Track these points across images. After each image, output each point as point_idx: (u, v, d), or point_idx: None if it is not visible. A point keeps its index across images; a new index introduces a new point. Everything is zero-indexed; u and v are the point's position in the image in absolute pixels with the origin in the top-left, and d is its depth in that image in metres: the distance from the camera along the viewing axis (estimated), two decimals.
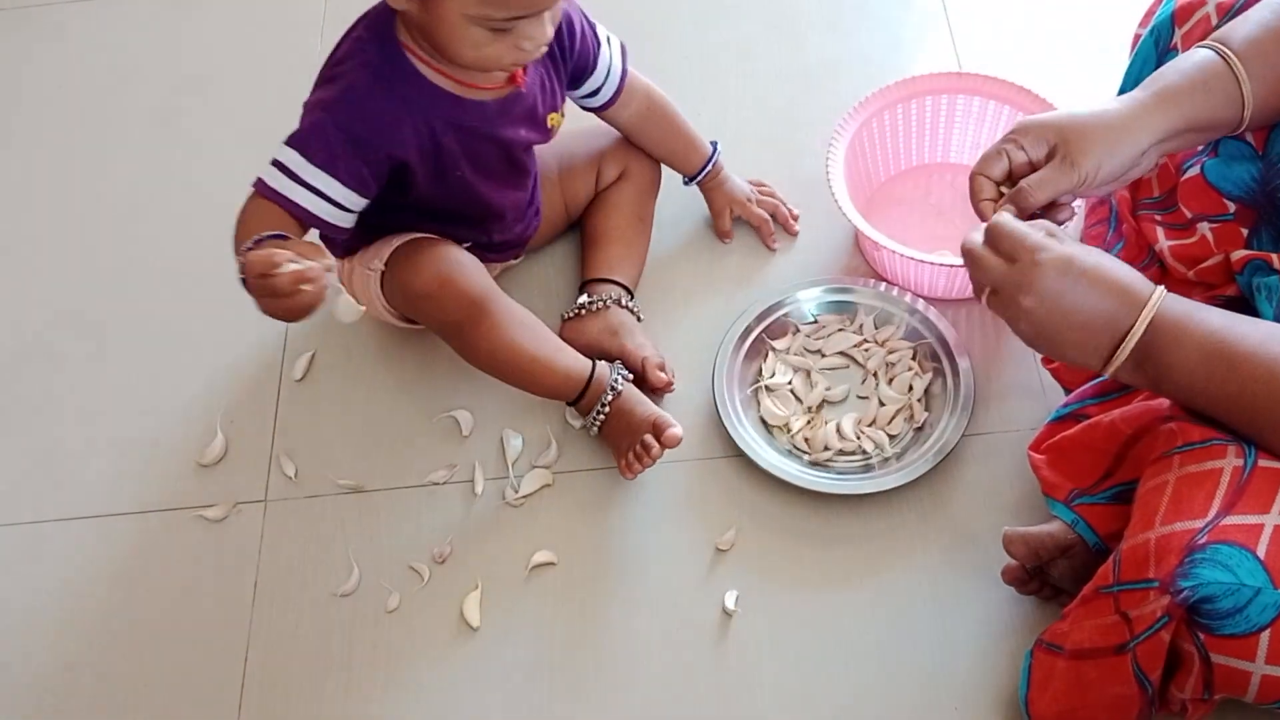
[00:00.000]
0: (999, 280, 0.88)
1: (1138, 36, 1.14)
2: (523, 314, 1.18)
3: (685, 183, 1.35)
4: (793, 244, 1.36)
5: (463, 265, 1.16)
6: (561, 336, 1.27)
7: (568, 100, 1.23)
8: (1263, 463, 0.83)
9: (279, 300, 0.92)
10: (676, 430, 1.14)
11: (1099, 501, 1.00)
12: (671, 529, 1.18)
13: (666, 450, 1.14)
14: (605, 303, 1.27)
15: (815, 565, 1.15)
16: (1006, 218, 0.90)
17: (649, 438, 1.14)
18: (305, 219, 1.06)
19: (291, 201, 1.05)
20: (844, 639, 1.10)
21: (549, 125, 1.19)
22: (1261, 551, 0.79)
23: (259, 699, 1.12)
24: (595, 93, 1.24)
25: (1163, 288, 0.87)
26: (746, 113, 1.48)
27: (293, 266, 0.90)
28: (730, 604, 1.12)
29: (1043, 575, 1.06)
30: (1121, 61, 1.15)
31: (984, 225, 0.91)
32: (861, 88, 1.32)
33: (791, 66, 1.52)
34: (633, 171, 1.33)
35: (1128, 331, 0.85)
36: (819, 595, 1.13)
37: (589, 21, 1.20)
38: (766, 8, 1.59)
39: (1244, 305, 0.99)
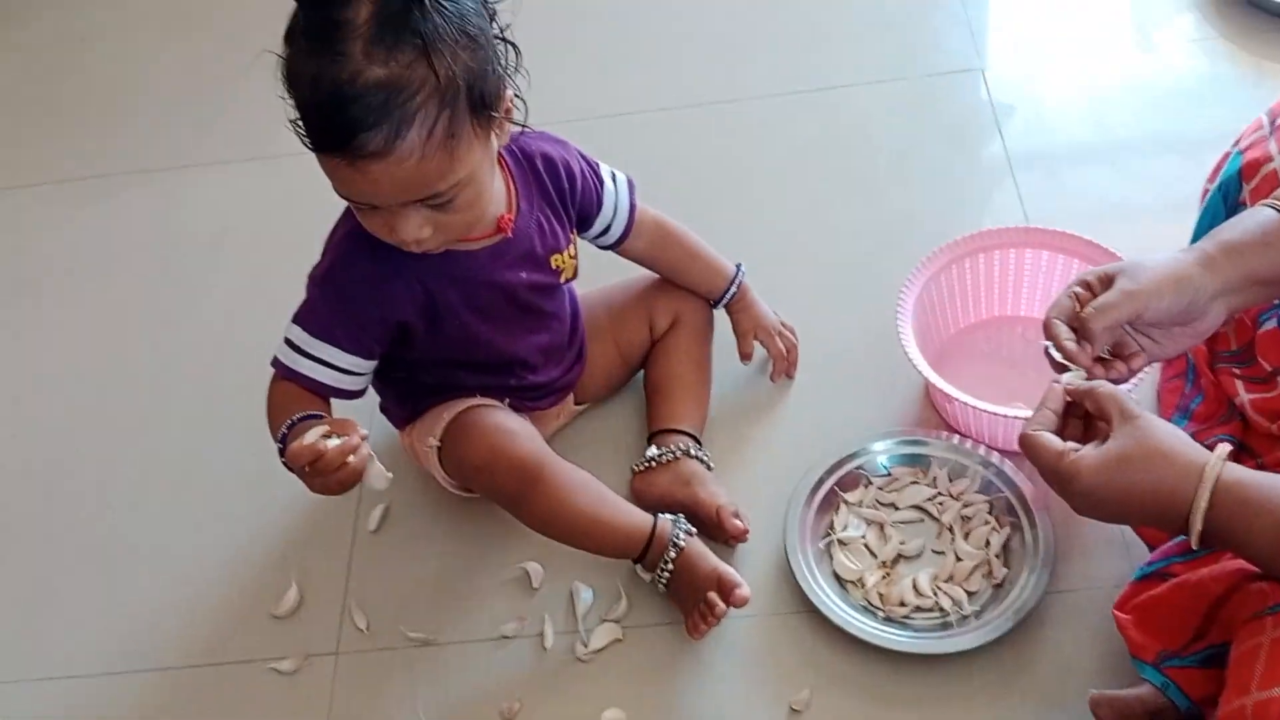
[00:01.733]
0: (1050, 482, 0.90)
1: (1205, 191, 1.15)
2: (578, 476, 1.18)
3: (712, 306, 1.37)
4: (864, 395, 1.36)
5: (514, 434, 1.17)
6: (632, 489, 1.28)
7: (582, 241, 1.27)
8: None
9: (326, 479, 0.98)
10: (744, 590, 1.12)
11: (1190, 664, 0.96)
12: (744, 687, 1.16)
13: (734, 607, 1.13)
14: (675, 454, 1.27)
15: None
16: (1030, 435, 0.90)
17: (713, 596, 1.12)
18: (319, 390, 1.12)
19: (303, 375, 1.11)
20: None
21: (554, 266, 1.20)
22: None
23: None
24: (606, 231, 1.27)
25: (1223, 448, 0.85)
26: (819, 266, 1.50)
27: (332, 444, 0.97)
28: None
29: None
30: (1190, 217, 1.15)
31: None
32: (930, 242, 1.34)
33: (862, 221, 1.55)
34: (685, 317, 1.35)
35: (1192, 505, 0.84)
36: None
37: (589, 163, 1.23)
38: (838, 168, 1.62)
39: None
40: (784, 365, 1.38)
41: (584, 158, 1.23)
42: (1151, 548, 1.08)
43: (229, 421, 1.46)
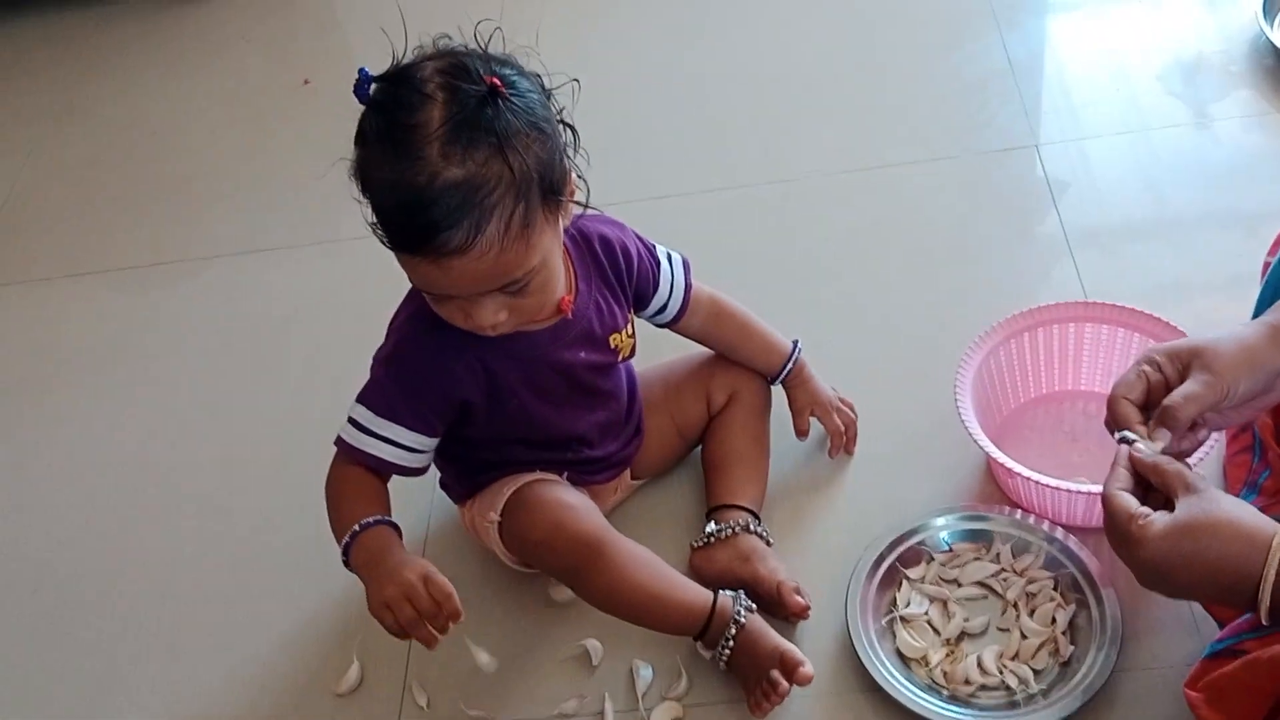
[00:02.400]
0: (1116, 550, 0.90)
1: (1267, 264, 1.15)
2: (639, 552, 1.18)
3: (769, 382, 1.37)
4: (925, 470, 1.35)
5: (574, 510, 1.18)
6: (691, 565, 1.28)
7: (640, 321, 1.29)
8: None
9: (405, 620, 1.02)
10: (808, 669, 1.11)
11: None
12: None
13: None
14: (734, 529, 1.27)
15: None
16: (1112, 494, 0.90)
17: (777, 674, 1.12)
18: (382, 468, 1.14)
19: (367, 454, 1.13)
20: None
21: (612, 345, 1.22)
22: None
23: None
24: (662, 310, 1.29)
25: None
26: (877, 342, 1.51)
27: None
28: None
29: None
30: (1248, 292, 1.15)
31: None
32: (988, 318, 1.34)
33: (920, 298, 1.55)
34: (742, 393, 1.36)
35: (1260, 578, 0.82)
36: None
37: (645, 244, 1.25)
38: (895, 242, 1.64)
39: None
40: (841, 442, 1.38)
41: (640, 239, 1.26)
42: (1221, 624, 1.05)
43: (294, 500, 1.47)
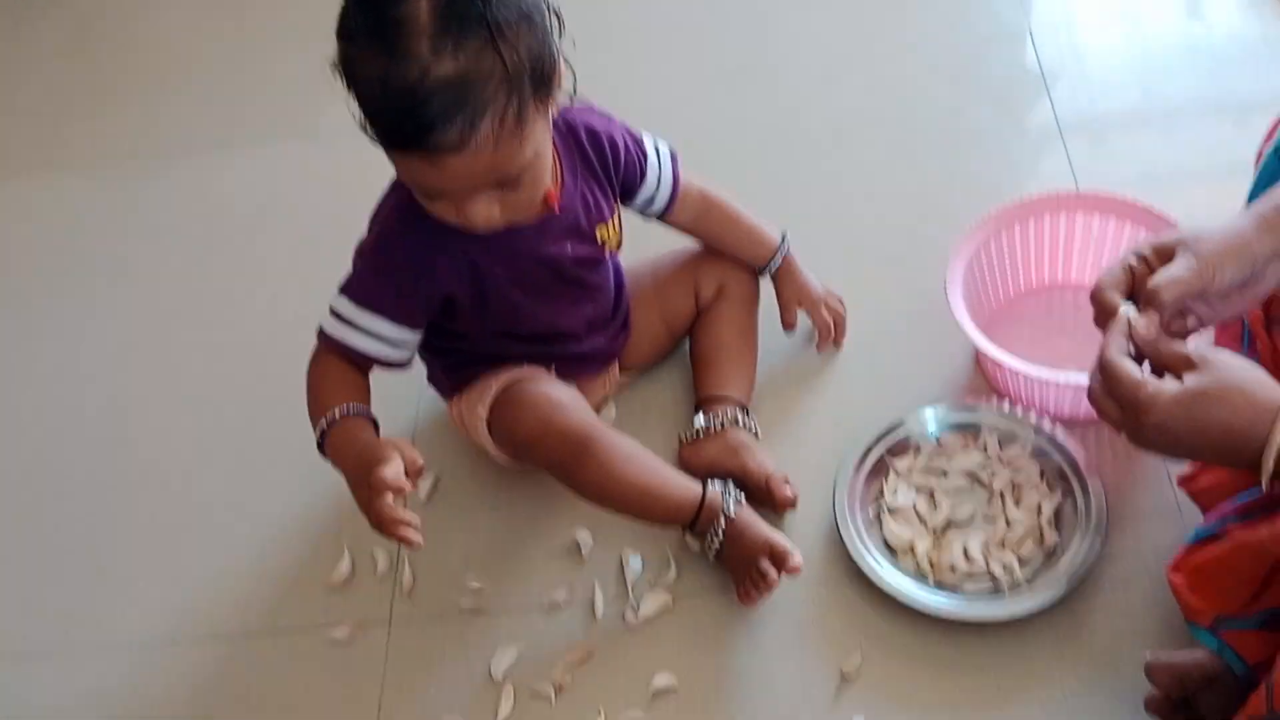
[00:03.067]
0: (1117, 423, 0.88)
1: (1261, 154, 1.13)
2: (628, 446, 1.19)
3: (757, 274, 1.36)
4: (913, 362, 1.35)
5: (563, 405, 1.18)
6: (680, 458, 1.28)
7: (627, 212, 1.27)
8: None
9: (373, 505, 1.01)
10: (797, 559, 1.12)
11: (1246, 628, 0.95)
12: (795, 653, 1.16)
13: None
14: (723, 423, 1.27)
15: (946, 694, 1.11)
16: (1114, 358, 0.88)
17: (766, 564, 1.13)
18: (363, 361, 1.13)
19: (348, 346, 1.12)
20: None
21: (599, 238, 1.21)
22: None
23: None
24: (650, 201, 1.27)
25: None
26: (870, 233, 1.50)
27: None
28: None
29: (1189, 707, 1.01)
30: (1242, 181, 1.13)
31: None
32: (980, 208, 1.33)
33: (910, 187, 1.54)
34: (730, 286, 1.35)
35: (1265, 443, 0.82)
36: None
37: (633, 135, 1.23)
38: (887, 133, 1.62)
39: None
40: (829, 336, 1.38)
41: (628, 130, 1.23)
42: (1205, 511, 1.07)
43: (279, 393, 1.44)
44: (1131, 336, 0.90)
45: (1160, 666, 1.00)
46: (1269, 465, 0.82)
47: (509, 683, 1.18)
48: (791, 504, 1.22)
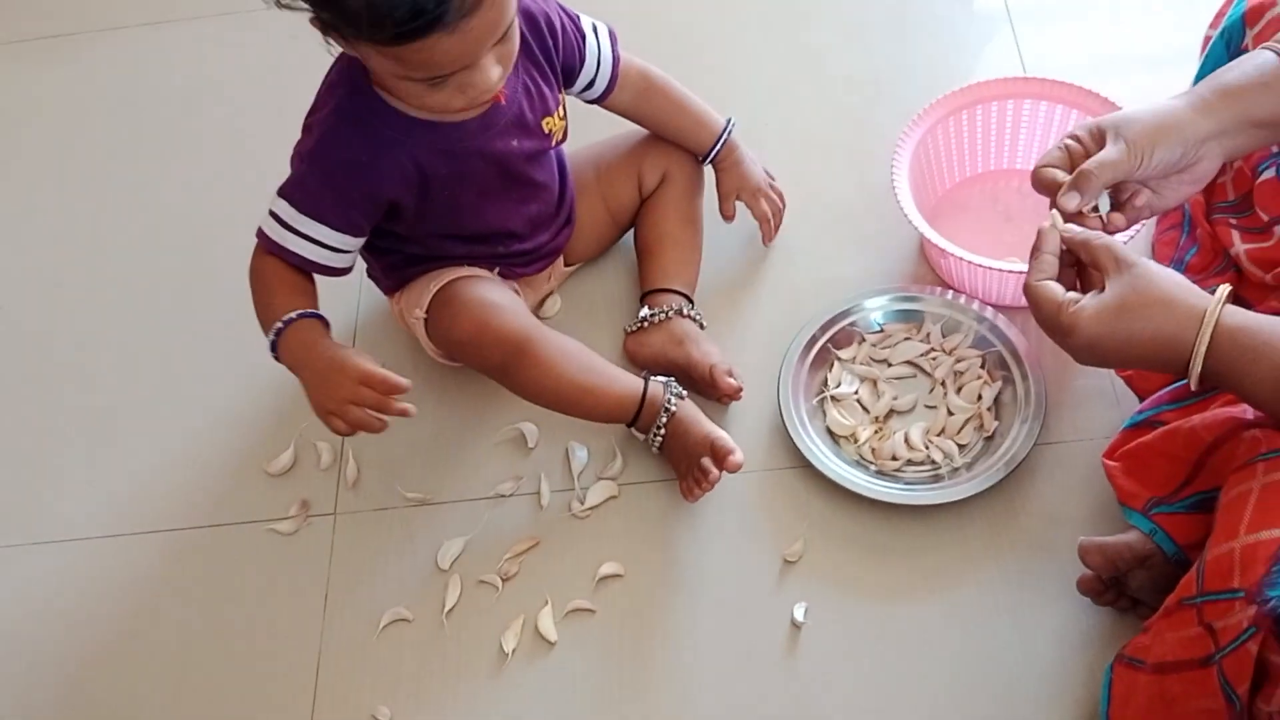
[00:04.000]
0: (1049, 334, 0.90)
1: (1208, 39, 1.12)
2: (566, 346, 1.18)
3: (699, 161, 1.33)
4: (858, 251, 1.35)
5: (499, 308, 1.16)
6: (625, 350, 1.28)
7: (569, 99, 1.23)
8: None
9: (352, 409, 1.03)
10: (738, 457, 1.13)
11: (1178, 510, 0.98)
12: (739, 540, 1.18)
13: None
14: (667, 313, 1.26)
15: (886, 577, 1.13)
16: (1034, 285, 0.90)
17: (707, 462, 1.13)
18: (305, 266, 1.11)
19: (290, 252, 1.10)
20: (916, 652, 1.09)
21: (546, 130, 1.18)
22: None
23: (331, 711, 1.13)
24: (590, 85, 1.23)
25: (1224, 290, 0.84)
26: (815, 119, 1.48)
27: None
28: (799, 616, 1.11)
29: (1120, 586, 1.04)
30: (1190, 66, 1.13)
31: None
32: (928, 94, 1.31)
33: (859, 74, 1.51)
34: (673, 173, 1.33)
35: (1193, 349, 0.84)
36: (890, 607, 1.12)
37: (569, 15, 1.19)
38: (835, 17, 1.58)
39: None
40: (768, 230, 1.35)
41: (564, 9, 1.19)
42: (1141, 398, 1.08)
43: (213, 281, 1.44)
44: (1063, 238, 0.91)
45: (1092, 547, 1.02)
46: (1196, 369, 0.84)
47: (455, 572, 1.19)
48: (735, 394, 1.22)
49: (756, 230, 1.37)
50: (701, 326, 1.28)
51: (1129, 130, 0.92)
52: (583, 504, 1.21)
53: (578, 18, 1.20)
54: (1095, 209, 0.95)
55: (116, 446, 1.34)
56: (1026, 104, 1.31)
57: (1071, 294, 0.89)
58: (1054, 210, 0.93)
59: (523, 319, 1.18)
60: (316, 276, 1.13)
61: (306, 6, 0.95)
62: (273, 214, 1.10)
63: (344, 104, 1.07)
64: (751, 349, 1.28)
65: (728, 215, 1.35)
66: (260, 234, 1.11)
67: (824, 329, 1.26)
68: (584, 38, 1.20)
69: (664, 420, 1.17)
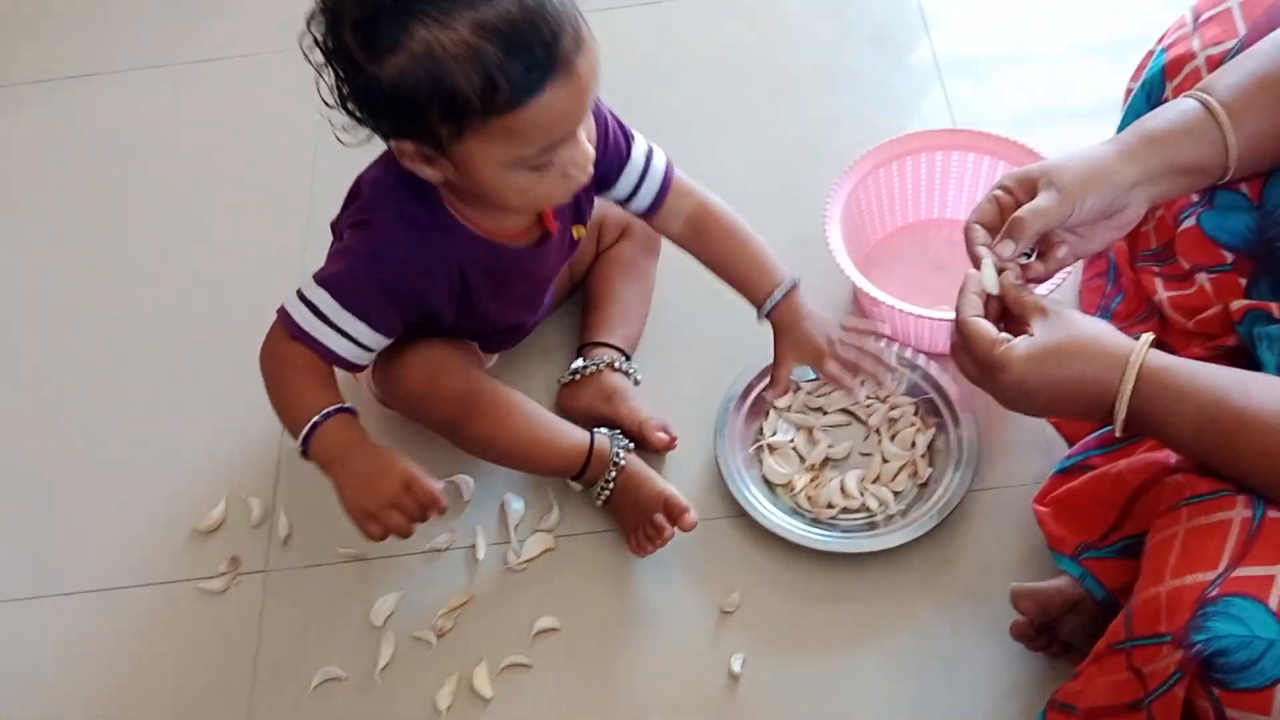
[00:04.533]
0: (975, 381, 0.91)
1: (1129, 91, 1.15)
2: (514, 400, 1.17)
3: (758, 315, 1.18)
4: None
5: (447, 364, 1.15)
6: (557, 402, 1.27)
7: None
8: (1271, 513, 0.81)
9: (396, 514, 1.01)
10: (692, 515, 1.13)
11: (1106, 555, 0.99)
12: (675, 591, 1.17)
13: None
14: (599, 367, 1.26)
15: (822, 626, 1.13)
16: (968, 319, 0.90)
17: (660, 518, 1.13)
18: (329, 358, 1.06)
19: (320, 344, 1.04)
20: (852, 700, 1.08)
21: (575, 237, 1.18)
22: (1274, 603, 0.77)
23: None
24: (632, 195, 1.17)
25: (1148, 337, 0.86)
26: (747, 172, 1.49)
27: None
28: (736, 667, 1.11)
29: (1052, 631, 1.04)
30: (1116, 116, 1.15)
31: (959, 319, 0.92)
32: (858, 146, 1.33)
33: (791, 127, 1.53)
34: (632, 230, 1.33)
35: (1117, 394, 0.85)
36: (826, 656, 1.11)
37: (619, 123, 1.15)
38: (766, 71, 1.60)
39: (1244, 355, 0.99)
40: (847, 385, 1.13)
41: (614, 117, 1.14)
42: (1071, 443, 1.10)
43: (146, 338, 1.43)
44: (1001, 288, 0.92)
45: (1024, 593, 1.03)
46: (1121, 414, 0.85)
47: (389, 629, 1.17)
48: (667, 447, 1.23)
49: (695, 280, 1.36)
50: (636, 382, 1.28)
51: (1060, 178, 0.93)
52: (519, 557, 1.20)
53: (630, 133, 1.16)
54: (1029, 253, 0.97)
55: (40, 504, 1.31)
56: (955, 155, 1.33)
57: (1004, 334, 0.90)
58: (986, 260, 0.94)
59: (471, 374, 1.17)
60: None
61: (392, 127, 0.94)
62: (306, 301, 1.04)
63: (411, 211, 1.04)
64: (688, 399, 1.28)
65: (775, 384, 1.16)
66: (287, 319, 1.04)
67: (759, 377, 1.26)
68: (630, 146, 1.15)
69: (613, 474, 1.17)
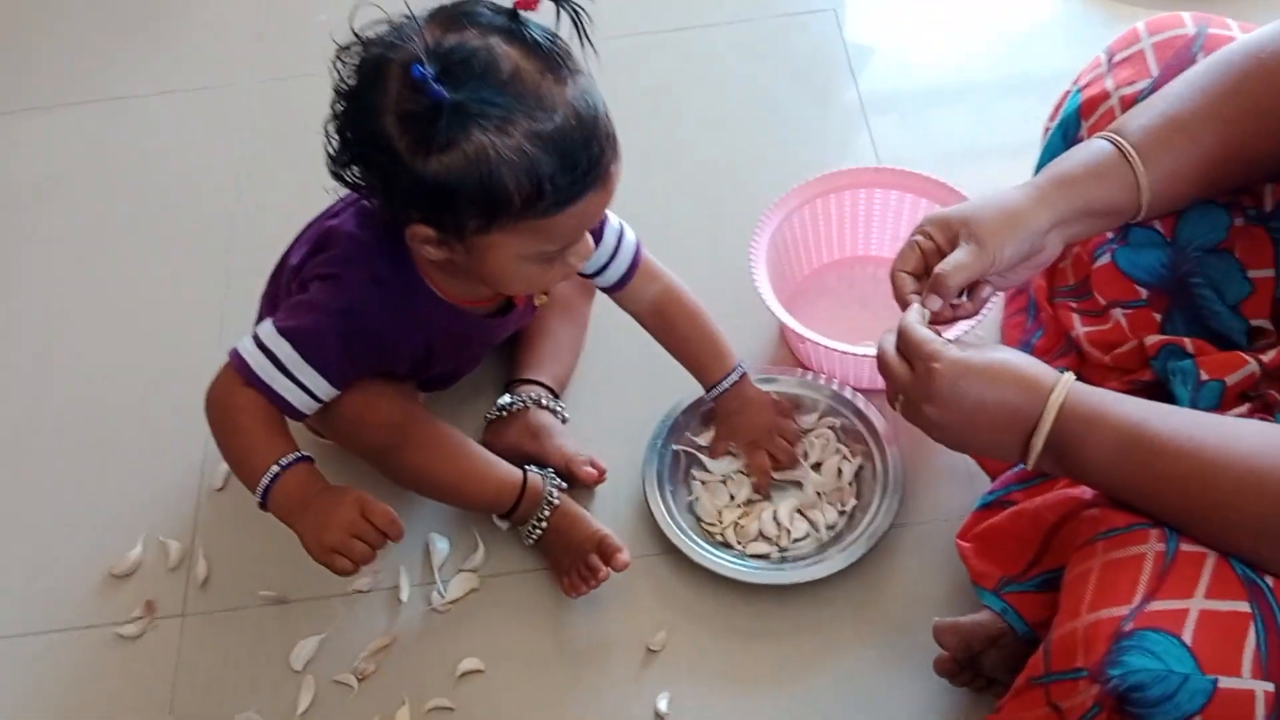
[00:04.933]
0: (904, 387, 0.91)
1: (1046, 130, 1.17)
2: (446, 434, 1.16)
3: (707, 393, 1.24)
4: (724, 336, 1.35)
5: (382, 390, 1.13)
6: (484, 439, 1.26)
7: None
8: (1184, 547, 0.82)
9: (351, 545, 1.00)
10: (625, 555, 1.13)
11: (1027, 589, 0.99)
12: (602, 631, 1.16)
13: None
14: (526, 403, 1.25)
15: (748, 661, 1.13)
16: (911, 321, 0.91)
17: (595, 559, 1.13)
18: (282, 407, 1.04)
19: (274, 392, 1.03)
20: None
21: (536, 305, 1.19)
22: (1187, 637, 0.78)
23: None
24: (600, 272, 1.18)
25: (1069, 375, 0.87)
26: (675, 208, 1.50)
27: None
28: (663, 707, 1.10)
29: (975, 666, 1.05)
30: (1035, 154, 1.17)
31: (896, 328, 0.92)
32: (784, 184, 1.34)
33: (718, 163, 1.54)
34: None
35: (1037, 424, 0.86)
36: (752, 692, 1.11)
37: None
38: (695, 107, 1.62)
39: (1160, 390, 1.00)
40: (762, 481, 1.22)
41: None
42: (992, 478, 1.10)
43: (59, 376, 1.39)
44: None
45: (947, 628, 1.03)
46: (1038, 445, 0.86)
47: (309, 673, 1.15)
48: (595, 482, 1.22)
49: (620, 319, 1.37)
50: (563, 420, 1.27)
51: (980, 229, 0.94)
52: (443, 597, 1.18)
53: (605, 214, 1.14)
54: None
55: None
56: (879, 193, 1.34)
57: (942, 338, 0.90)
58: (914, 309, 0.95)
59: (407, 404, 1.16)
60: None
61: (421, 214, 0.94)
62: (265, 349, 1.02)
63: (385, 275, 1.04)
64: (615, 434, 1.28)
65: (712, 454, 1.25)
66: (243, 365, 1.02)
67: (686, 412, 1.26)
68: (603, 226, 1.16)
69: (546, 513, 1.16)
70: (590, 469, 1.21)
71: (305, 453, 1.03)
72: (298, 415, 1.06)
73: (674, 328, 1.23)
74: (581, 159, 0.92)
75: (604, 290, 1.22)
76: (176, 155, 1.60)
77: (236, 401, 1.03)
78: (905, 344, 0.91)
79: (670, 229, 1.46)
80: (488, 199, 0.91)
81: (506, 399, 1.26)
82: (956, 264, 0.93)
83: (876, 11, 1.71)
